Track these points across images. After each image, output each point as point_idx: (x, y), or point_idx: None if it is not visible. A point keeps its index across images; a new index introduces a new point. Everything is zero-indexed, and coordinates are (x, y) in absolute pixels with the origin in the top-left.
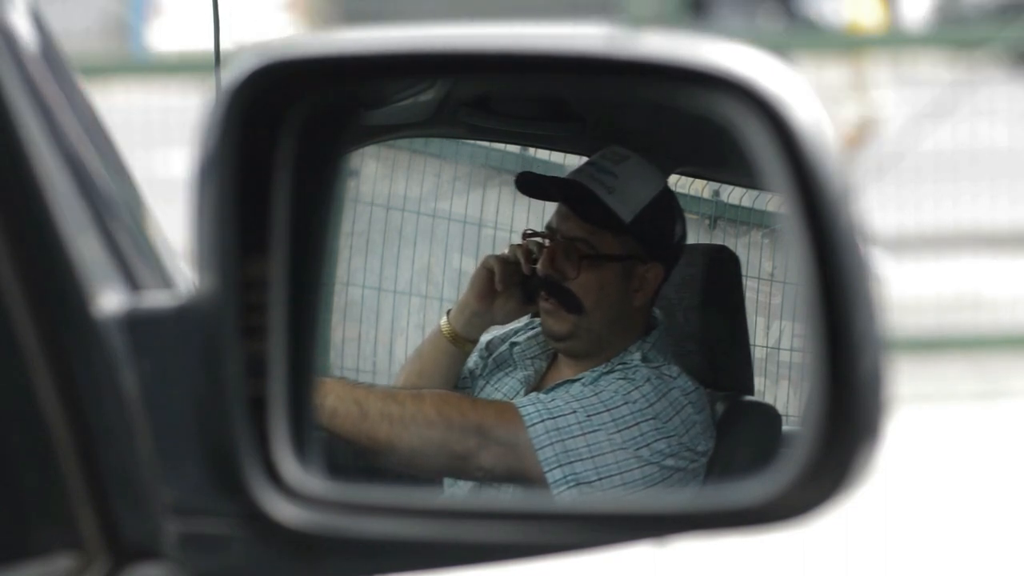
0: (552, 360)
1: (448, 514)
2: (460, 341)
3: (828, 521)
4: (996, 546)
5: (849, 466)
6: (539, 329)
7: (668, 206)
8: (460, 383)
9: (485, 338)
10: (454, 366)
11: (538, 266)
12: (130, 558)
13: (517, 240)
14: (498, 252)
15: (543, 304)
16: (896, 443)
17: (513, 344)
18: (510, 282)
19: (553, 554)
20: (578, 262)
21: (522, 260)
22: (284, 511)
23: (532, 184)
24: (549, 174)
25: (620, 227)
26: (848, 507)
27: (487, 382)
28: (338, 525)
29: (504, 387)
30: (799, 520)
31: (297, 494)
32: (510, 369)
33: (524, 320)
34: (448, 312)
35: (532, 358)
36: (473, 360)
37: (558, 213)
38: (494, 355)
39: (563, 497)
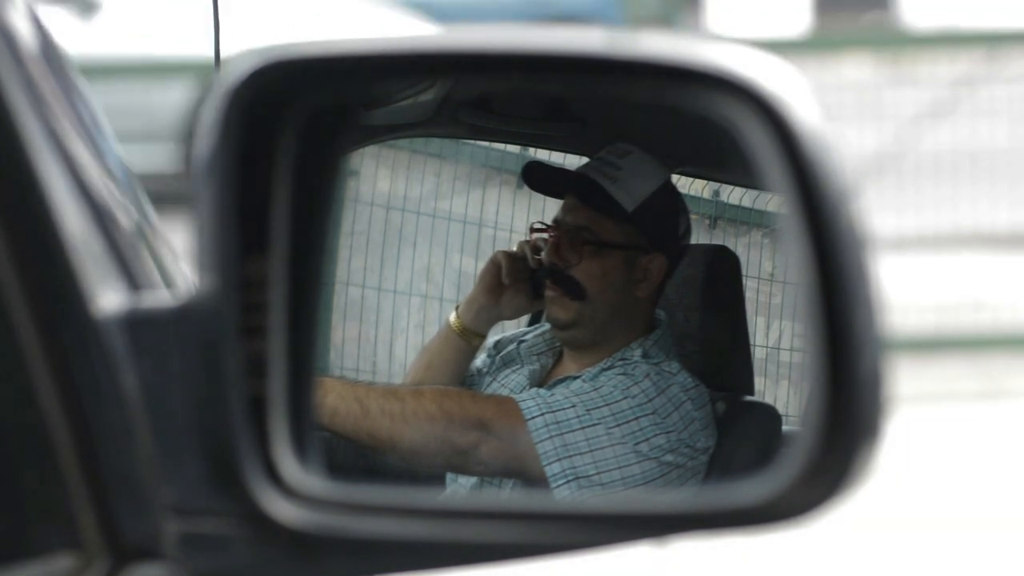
0: (558, 358)
1: (448, 514)
2: (468, 335)
3: (828, 521)
4: (996, 545)
5: (849, 466)
6: (547, 327)
7: (671, 200)
8: (467, 380)
9: (493, 338)
10: (461, 360)
11: (543, 255)
12: (130, 558)
13: (517, 239)
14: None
15: (548, 293)
16: (896, 443)
17: (521, 342)
18: (518, 277)
19: (553, 554)
20: (581, 249)
21: (529, 254)
22: (284, 511)
23: (538, 175)
24: (555, 166)
25: (623, 216)
26: (848, 507)
27: (494, 378)
28: (338, 525)
29: (510, 383)
30: (799, 520)
31: (297, 494)
32: (517, 366)
33: (532, 322)
34: (457, 307)
35: (538, 354)
36: (481, 359)
37: (563, 206)
38: (502, 353)
39: (563, 497)
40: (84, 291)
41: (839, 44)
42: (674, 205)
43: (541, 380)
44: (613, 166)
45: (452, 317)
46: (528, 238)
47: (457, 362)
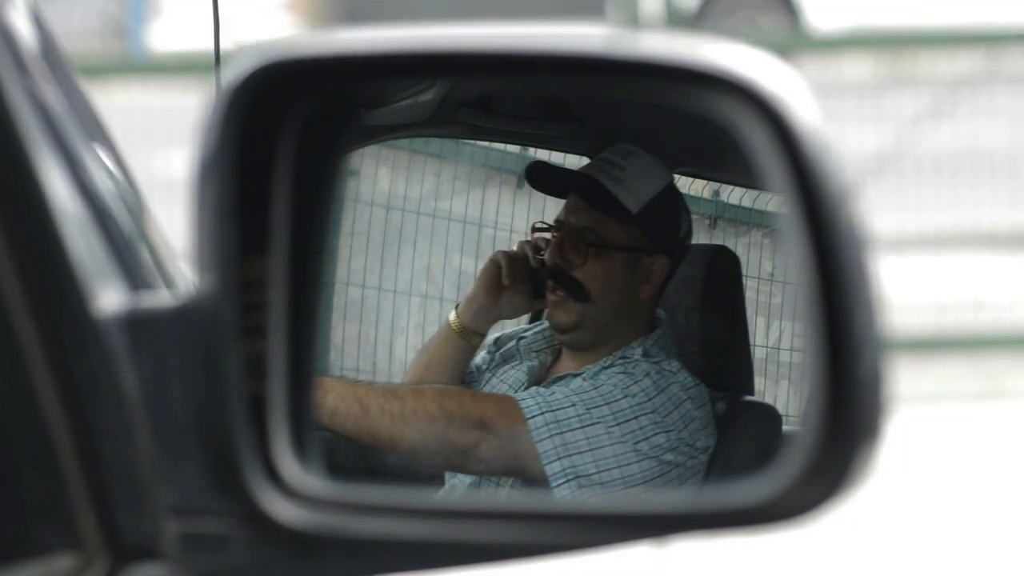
0: (557, 355)
1: (448, 514)
2: (468, 334)
3: (828, 521)
4: (997, 545)
5: (849, 466)
6: (547, 325)
7: (674, 201)
8: (467, 378)
9: (493, 335)
10: (461, 359)
11: (546, 256)
12: (130, 558)
13: (517, 239)
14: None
15: (550, 297)
16: (896, 443)
17: (520, 339)
18: (517, 277)
19: (553, 554)
20: (585, 250)
21: (530, 255)
22: (284, 511)
23: (541, 175)
24: (559, 166)
25: (627, 217)
26: (848, 507)
27: (493, 375)
28: (338, 525)
29: (509, 379)
30: (799, 520)
31: (297, 494)
32: (516, 363)
33: (533, 319)
34: (457, 306)
35: (538, 351)
36: (481, 356)
37: (566, 206)
38: (501, 350)
39: (563, 496)
40: (84, 291)
41: (838, 43)
42: (676, 206)
43: (540, 377)
44: (617, 167)
45: (452, 316)
46: (529, 238)
47: (456, 361)
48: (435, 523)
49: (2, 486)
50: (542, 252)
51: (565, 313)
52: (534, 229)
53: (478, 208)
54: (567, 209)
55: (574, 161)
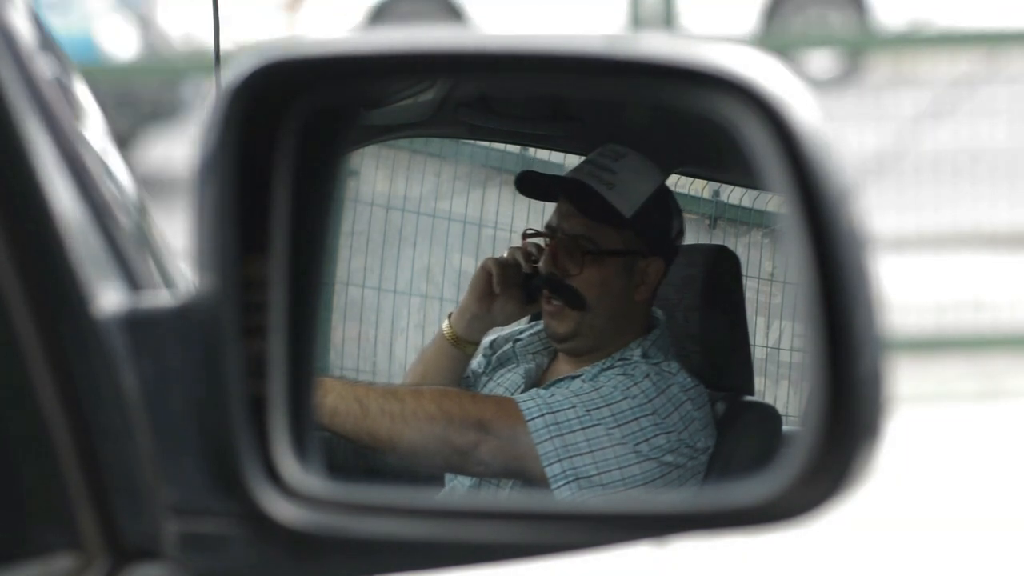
0: (554, 356)
1: (448, 514)
2: (462, 343)
3: (828, 521)
4: (996, 545)
5: (849, 466)
6: (542, 326)
7: (666, 201)
8: (463, 383)
9: (488, 338)
10: (457, 368)
11: (540, 265)
12: (130, 558)
13: (517, 240)
14: (498, 252)
15: (546, 307)
16: (896, 443)
17: (516, 341)
18: (508, 284)
19: (553, 554)
20: (581, 258)
21: (522, 261)
22: (284, 511)
23: (532, 183)
24: (549, 173)
25: (621, 222)
26: (848, 507)
27: (490, 378)
28: (338, 525)
29: (506, 382)
30: (799, 520)
31: (297, 494)
32: (512, 365)
33: (527, 321)
34: (450, 315)
35: (534, 353)
36: (477, 361)
37: (558, 212)
38: (497, 353)
39: (563, 496)
40: (84, 291)
41: (845, 43)
42: (669, 207)
43: (537, 380)
44: (608, 170)
45: (445, 326)
46: (520, 244)
47: (452, 370)
48: (435, 523)
49: (2, 486)
50: (533, 257)
51: (562, 322)
52: (524, 235)
53: (478, 208)
54: (559, 215)
55: (574, 161)
